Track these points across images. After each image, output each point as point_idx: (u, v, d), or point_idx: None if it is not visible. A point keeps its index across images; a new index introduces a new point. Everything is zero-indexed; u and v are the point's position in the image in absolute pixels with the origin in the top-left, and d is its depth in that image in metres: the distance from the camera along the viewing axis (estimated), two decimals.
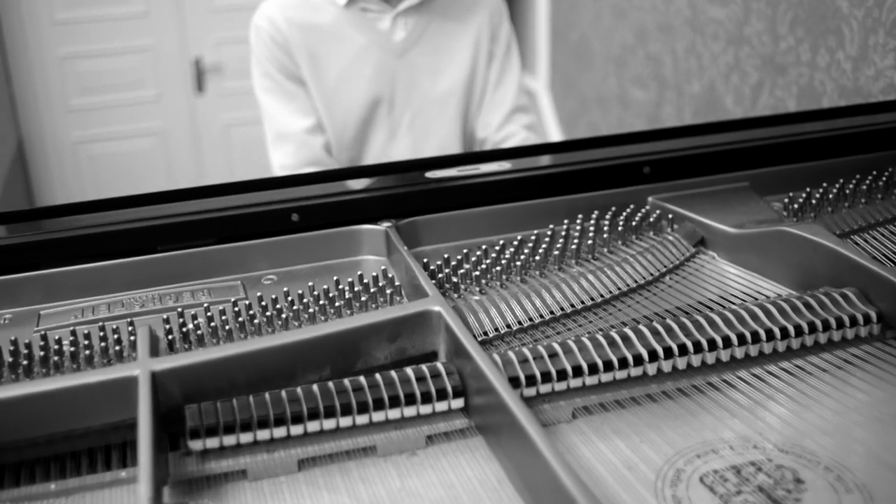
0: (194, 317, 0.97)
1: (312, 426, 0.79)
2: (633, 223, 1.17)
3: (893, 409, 0.83)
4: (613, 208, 1.21)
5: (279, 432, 0.79)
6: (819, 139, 1.31)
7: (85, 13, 3.86)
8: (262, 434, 0.78)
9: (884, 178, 1.25)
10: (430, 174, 1.22)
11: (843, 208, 1.20)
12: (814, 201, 1.19)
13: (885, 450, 0.78)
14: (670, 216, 1.19)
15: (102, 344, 0.92)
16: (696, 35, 2.54)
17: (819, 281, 1.01)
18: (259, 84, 1.99)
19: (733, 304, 1.02)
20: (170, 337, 0.94)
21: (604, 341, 0.87)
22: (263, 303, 1.00)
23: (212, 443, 0.77)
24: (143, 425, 0.75)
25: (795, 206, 1.18)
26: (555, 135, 3.88)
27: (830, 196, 1.21)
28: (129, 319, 0.98)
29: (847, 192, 1.22)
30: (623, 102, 3.13)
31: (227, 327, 0.95)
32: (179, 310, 0.98)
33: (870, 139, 1.34)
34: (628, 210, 1.21)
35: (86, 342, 0.92)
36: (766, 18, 2.17)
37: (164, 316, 0.97)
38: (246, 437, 0.78)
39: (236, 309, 0.98)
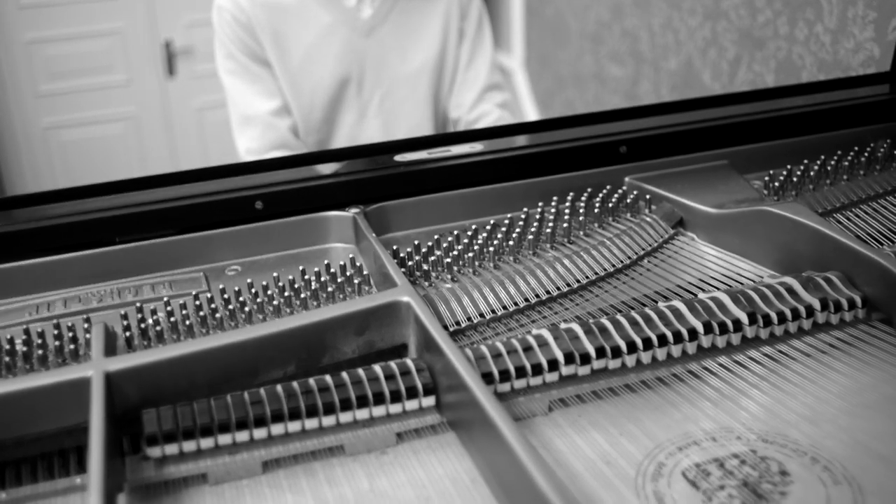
0: (153, 311, 0.93)
1: (276, 429, 0.76)
2: (610, 205, 1.14)
3: (879, 394, 0.81)
4: (589, 189, 1.18)
5: (241, 436, 0.75)
6: (800, 115, 1.28)
7: None
8: (224, 439, 0.75)
9: (866, 154, 1.22)
10: (400, 157, 1.18)
11: (824, 185, 1.17)
12: (795, 179, 1.16)
13: (873, 438, 0.75)
14: (648, 197, 1.15)
15: (57, 343, 0.88)
16: (673, 10, 2.50)
17: (802, 262, 0.98)
18: (223, 66, 1.94)
19: (714, 287, 0.98)
20: (128, 334, 0.89)
21: (580, 332, 0.83)
22: (226, 295, 0.96)
23: (171, 449, 0.74)
24: (95, 429, 0.71)
25: (776, 184, 1.15)
26: (531, 113, 3.83)
27: (812, 173, 1.18)
28: (85, 316, 0.93)
29: (829, 168, 1.19)
30: (600, 79, 3.09)
31: (187, 322, 0.91)
32: (138, 304, 0.94)
33: (851, 114, 1.31)
34: (605, 191, 1.17)
35: (39, 341, 0.87)
36: None
37: (123, 311, 0.93)
38: (207, 443, 0.74)
39: (197, 302, 0.94)
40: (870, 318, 0.91)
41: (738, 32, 2.19)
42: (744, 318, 0.86)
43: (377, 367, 0.80)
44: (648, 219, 1.11)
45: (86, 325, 0.91)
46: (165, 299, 0.95)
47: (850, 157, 1.21)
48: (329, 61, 1.91)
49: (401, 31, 1.96)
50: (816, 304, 0.88)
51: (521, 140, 1.23)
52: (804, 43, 1.91)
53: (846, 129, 1.29)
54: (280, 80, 1.92)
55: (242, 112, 1.93)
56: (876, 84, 1.39)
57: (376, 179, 1.13)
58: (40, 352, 0.86)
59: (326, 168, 1.16)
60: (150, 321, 0.91)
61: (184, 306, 0.94)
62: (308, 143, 1.98)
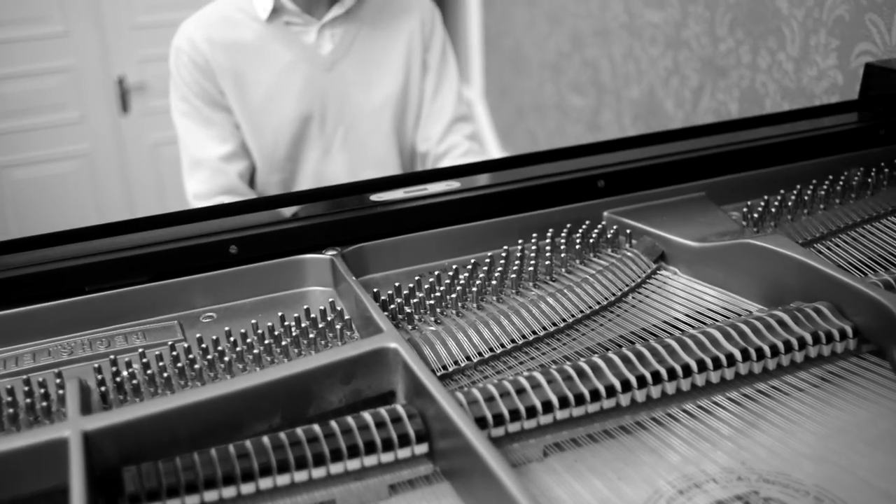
0: (128, 364, 0.89)
1: (265, 483, 0.73)
2: (591, 240, 1.12)
3: (879, 430, 0.79)
4: (569, 225, 1.16)
5: (229, 492, 0.72)
6: (774, 144, 1.28)
7: (2, 35, 3.73)
8: (210, 495, 0.71)
9: (841, 183, 1.22)
10: (375, 197, 1.15)
11: (802, 215, 1.17)
12: (773, 209, 1.16)
13: (875, 475, 0.74)
14: (628, 231, 1.14)
15: (28, 400, 0.84)
16: (634, 39, 2.51)
17: (788, 294, 0.97)
18: (177, 108, 1.91)
19: (702, 322, 0.97)
20: (102, 388, 0.86)
21: (573, 373, 0.82)
22: (204, 344, 0.93)
23: None
24: (76, 493, 0.68)
25: (755, 215, 1.14)
26: (492, 144, 3.84)
27: (789, 203, 1.18)
28: (56, 370, 0.90)
29: (805, 198, 1.18)
30: (561, 109, 3.10)
31: (164, 374, 0.87)
32: (112, 357, 0.91)
33: (824, 143, 1.31)
34: (584, 226, 1.16)
35: (9, 398, 0.84)
36: (705, 21, 2.15)
37: (96, 364, 0.90)
38: (192, 500, 0.71)
39: (174, 353, 0.91)
40: (860, 350, 0.90)
41: (700, 61, 2.20)
42: (737, 353, 0.85)
43: (367, 415, 0.77)
44: (630, 254, 1.09)
45: (58, 381, 0.87)
46: (140, 350, 0.92)
47: (825, 187, 1.21)
48: (291, 99, 1.89)
49: (362, 66, 1.94)
50: (808, 336, 0.87)
51: (498, 177, 1.22)
52: (767, 71, 1.93)
53: (820, 157, 1.29)
54: (241, 121, 1.89)
55: (193, 155, 1.90)
56: (848, 112, 1.40)
57: (353, 220, 1.11)
58: (10, 410, 0.83)
59: (302, 210, 1.13)
60: (126, 374, 0.88)
61: (160, 357, 0.91)
62: (272, 183, 1.95)
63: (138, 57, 3.91)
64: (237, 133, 1.90)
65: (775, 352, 0.86)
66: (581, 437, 0.81)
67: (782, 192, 1.20)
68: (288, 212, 1.13)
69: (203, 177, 1.89)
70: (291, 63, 1.88)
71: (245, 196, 1.90)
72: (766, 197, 1.18)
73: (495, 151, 3.78)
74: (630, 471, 0.77)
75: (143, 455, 0.75)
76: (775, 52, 1.89)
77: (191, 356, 0.91)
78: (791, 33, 1.82)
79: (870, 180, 1.24)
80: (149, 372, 0.88)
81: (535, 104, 3.32)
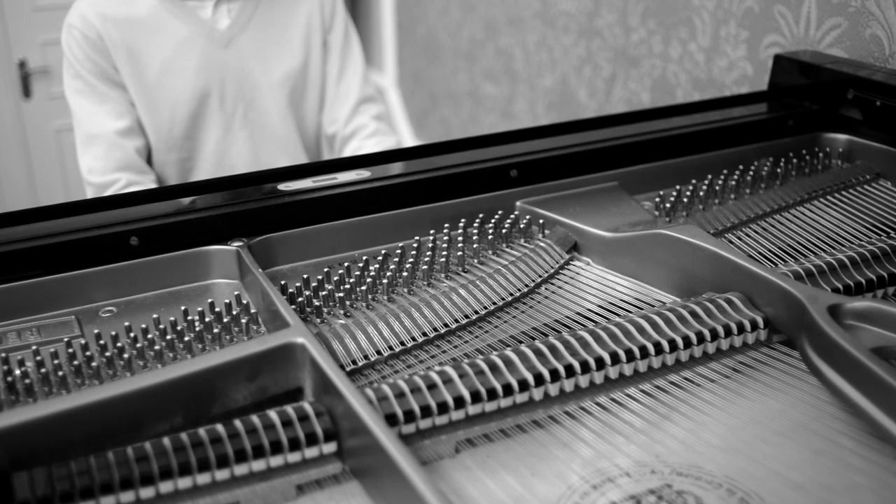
0: (21, 362, 0.85)
1: (165, 487, 0.69)
2: (503, 230, 1.11)
3: (790, 421, 0.80)
4: (481, 215, 1.15)
5: (127, 497, 0.69)
6: (686, 134, 1.28)
7: None
8: (107, 501, 0.68)
9: (751, 173, 1.23)
10: (283, 186, 1.12)
11: (713, 205, 1.17)
12: (685, 199, 1.16)
13: (787, 466, 0.74)
14: (541, 221, 1.13)
15: None
16: (547, 28, 2.51)
17: (699, 284, 0.97)
18: (70, 86, 1.84)
19: (615, 313, 0.97)
20: None
21: (485, 367, 0.80)
22: (102, 341, 0.89)
23: None
24: None
25: (667, 204, 1.14)
26: (405, 131, 3.81)
27: (701, 193, 1.18)
28: None
29: (717, 188, 1.19)
30: (474, 98, 3.09)
31: (60, 373, 0.83)
32: (3, 355, 0.86)
33: (734, 133, 1.32)
34: (497, 216, 1.14)
35: None
36: (618, 10, 2.15)
37: None
38: None
39: (70, 350, 0.87)
40: (771, 341, 0.91)
41: (612, 51, 2.21)
42: (650, 346, 0.84)
43: (273, 414, 0.74)
44: (543, 244, 1.08)
45: None
46: (34, 347, 0.87)
47: (736, 176, 1.22)
48: (188, 74, 1.84)
49: (260, 42, 1.90)
50: (720, 328, 0.87)
51: (410, 166, 1.19)
52: (678, 61, 1.94)
53: (730, 147, 1.29)
54: (135, 98, 1.84)
55: (87, 131, 1.83)
56: (757, 102, 1.41)
57: (259, 210, 1.08)
58: None
59: (206, 200, 1.09)
60: (18, 373, 0.83)
61: (55, 355, 0.86)
62: (169, 162, 1.90)
63: (40, 40, 3.79)
64: (133, 110, 1.85)
65: (688, 343, 0.86)
66: (493, 432, 0.79)
67: (694, 181, 1.20)
68: (192, 202, 1.09)
69: (98, 152, 1.82)
70: (187, 38, 1.84)
71: (143, 173, 1.84)
72: (678, 187, 1.18)
73: (408, 140, 3.75)
74: (543, 466, 0.75)
75: (36, 459, 0.71)
76: (686, 43, 1.90)
77: (88, 353, 0.87)
78: (702, 24, 1.84)
79: (779, 170, 1.25)
80: (43, 370, 0.83)
81: (449, 92, 3.30)
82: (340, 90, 1.99)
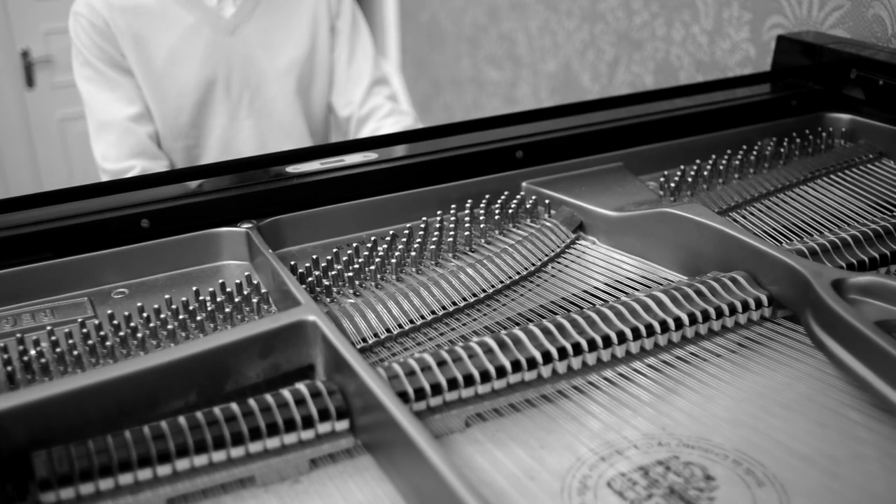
0: (37, 342, 0.86)
1: (182, 464, 0.71)
2: (510, 210, 1.12)
3: (794, 393, 0.81)
4: (487, 196, 1.16)
5: (144, 474, 0.70)
6: (690, 115, 1.29)
7: None
8: (125, 478, 0.69)
9: (754, 153, 1.24)
10: (292, 169, 1.13)
11: (717, 185, 1.18)
12: (689, 179, 1.17)
13: (792, 438, 0.75)
14: (547, 201, 1.14)
15: None
16: (550, 12, 2.51)
17: (704, 262, 0.99)
18: (80, 74, 1.85)
19: (621, 291, 0.98)
20: (9, 368, 0.83)
21: (494, 345, 0.81)
22: (115, 321, 0.90)
23: (66, 493, 0.68)
24: None
25: (672, 184, 1.15)
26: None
27: (705, 173, 1.19)
28: None
29: (721, 168, 1.20)
30: (478, 83, 3.09)
31: (74, 352, 0.84)
32: (19, 335, 0.87)
33: (738, 113, 1.33)
34: (503, 197, 1.15)
35: None
36: None
37: (1, 343, 0.86)
38: (106, 484, 0.69)
39: (84, 330, 0.88)
40: (776, 316, 0.92)
41: (615, 34, 2.21)
42: (656, 325, 0.86)
43: (286, 392, 0.75)
44: (549, 224, 1.09)
45: None
46: (48, 328, 0.88)
47: (739, 157, 1.23)
48: (194, 63, 1.85)
49: (266, 29, 1.91)
50: (725, 306, 0.88)
51: (416, 147, 1.20)
52: (681, 44, 1.95)
53: (734, 128, 1.30)
54: (143, 86, 1.85)
55: (100, 118, 1.84)
56: (760, 83, 1.42)
57: (269, 192, 1.09)
58: None
59: (215, 182, 1.10)
60: (34, 353, 0.84)
61: (69, 335, 0.87)
62: (177, 149, 1.91)
63: (43, 30, 3.79)
64: (142, 95, 1.86)
65: (693, 321, 0.87)
66: (503, 407, 0.81)
67: (698, 161, 1.21)
68: (201, 185, 1.10)
69: (112, 139, 1.83)
70: (193, 26, 1.85)
71: (156, 158, 1.86)
72: (682, 167, 1.19)
73: (412, 126, 3.75)
74: (552, 439, 0.77)
75: (54, 436, 0.72)
76: (689, 25, 1.91)
77: (102, 333, 0.88)
78: (705, 6, 1.84)
79: (782, 150, 1.26)
80: (58, 350, 0.85)
81: (452, 78, 3.31)
82: (352, 73, 2.00)
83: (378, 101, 1.99)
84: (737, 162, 1.22)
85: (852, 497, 0.69)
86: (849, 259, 0.96)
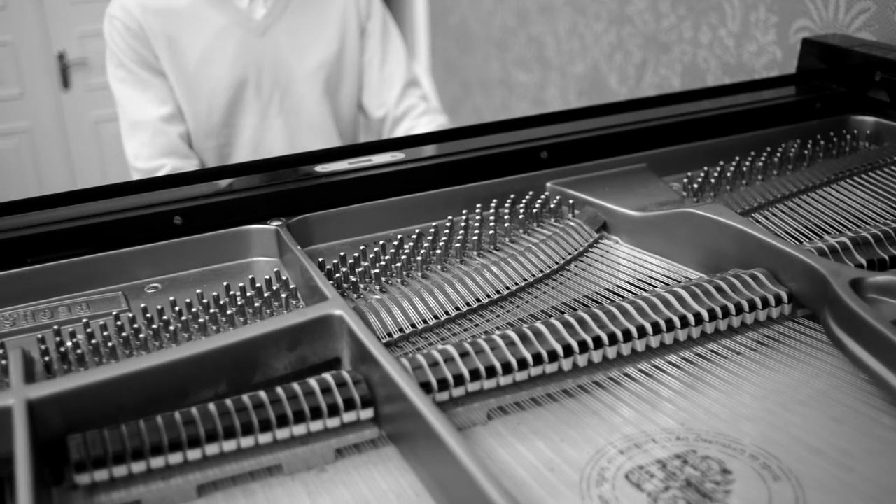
0: (73, 334, 0.89)
1: (211, 449, 0.73)
2: (534, 210, 1.14)
3: (812, 390, 0.82)
4: (512, 196, 1.17)
5: (175, 458, 0.72)
6: (714, 117, 1.30)
7: None
8: (157, 462, 0.72)
9: (778, 154, 1.25)
10: (321, 168, 1.15)
11: (741, 186, 1.19)
12: (712, 180, 1.18)
13: (808, 433, 0.76)
14: (571, 201, 1.15)
15: None
16: (578, 15, 2.52)
17: (726, 262, 1.00)
18: (113, 75, 1.90)
19: (642, 289, 0.99)
20: (46, 358, 0.85)
21: (516, 338, 0.83)
22: (148, 314, 0.93)
23: (100, 475, 0.70)
24: (21, 461, 0.67)
25: (695, 185, 1.17)
26: None
27: (728, 174, 1.20)
28: None
29: (744, 169, 1.21)
30: (507, 85, 3.11)
31: (109, 344, 0.87)
32: (56, 327, 0.90)
33: (762, 115, 1.34)
34: (528, 197, 1.17)
35: None
36: None
37: (39, 335, 0.89)
38: (138, 467, 0.71)
39: (119, 323, 0.91)
40: (795, 315, 0.93)
41: (643, 37, 2.22)
42: (676, 320, 0.87)
43: (313, 381, 0.78)
44: (573, 223, 1.11)
45: (0, 351, 0.87)
46: (84, 321, 0.91)
47: (763, 158, 1.24)
48: (225, 63, 1.89)
49: (296, 30, 1.95)
50: (745, 302, 0.90)
51: (442, 147, 1.22)
52: (709, 47, 1.95)
53: (758, 130, 1.31)
54: (175, 86, 1.89)
55: (132, 118, 1.89)
56: (784, 86, 1.43)
57: (298, 191, 1.11)
58: None
59: (246, 181, 1.13)
60: (70, 344, 0.87)
61: (104, 327, 0.90)
62: (207, 148, 1.95)
63: (78, 32, 3.85)
64: (174, 96, 1.90)
65: (713, 317, 0.88)
66: (524, 400, 0.82)
67: (722, 163, 1.22)
68: (232, 183, 1.13)
69: (144, 138, 1.87)
70: (225, 28, 1.88)
71: (188, 158, 1.90)
72: (706, 168, 1.20)
73: (446, 125, 3.78)
74: (573, 433, 0.78)
75: (88, 423, 0.75)
76: (716, 28, 1.91)
77: (135, 326, 0.91)
78: (732, 10, 1.85)
79: (806, 152, 1.27)
80: (93, 342, 0.87)
81: (481, 80, 3.33)
82: (385, 74, 2.03)
83: (413, 101, 2.03)
84: (760, 164, 1.23)
85: (867, 491, 0.70)
86: (868, 257, 0.97)
